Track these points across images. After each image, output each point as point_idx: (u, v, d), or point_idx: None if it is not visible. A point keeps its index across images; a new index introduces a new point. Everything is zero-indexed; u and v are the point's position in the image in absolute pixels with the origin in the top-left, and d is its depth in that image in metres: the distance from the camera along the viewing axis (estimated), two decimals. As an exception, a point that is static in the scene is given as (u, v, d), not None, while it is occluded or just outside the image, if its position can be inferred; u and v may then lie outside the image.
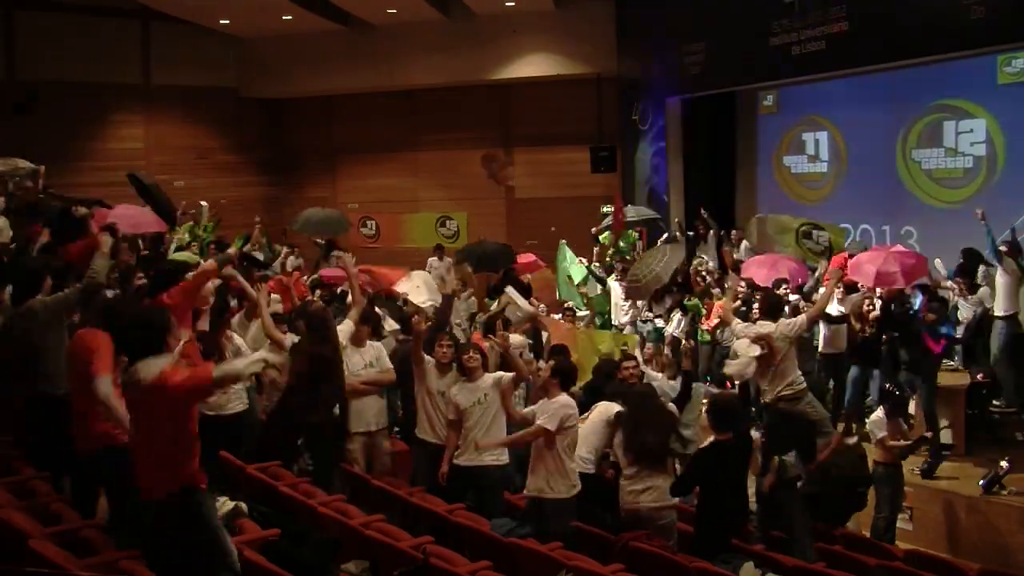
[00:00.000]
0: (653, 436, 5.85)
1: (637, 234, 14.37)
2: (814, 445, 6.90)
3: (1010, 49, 11.10)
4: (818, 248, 10.93)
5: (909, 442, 7.53)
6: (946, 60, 11.38)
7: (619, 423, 6.13)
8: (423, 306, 8.33)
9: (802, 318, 7.54)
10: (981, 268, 9.93)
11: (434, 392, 6.42)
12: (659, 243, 12.61)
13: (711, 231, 13.08)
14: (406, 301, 8.76)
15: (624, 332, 10.75)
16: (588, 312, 12.02)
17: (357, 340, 6.70)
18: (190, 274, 5.80)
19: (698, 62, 14.20)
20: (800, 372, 7.48)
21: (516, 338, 7.56)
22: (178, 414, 3.94)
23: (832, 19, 11.62)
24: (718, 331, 10.27)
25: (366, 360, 6.66)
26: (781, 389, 7.26)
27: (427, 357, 6.48)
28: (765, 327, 7.36)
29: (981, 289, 9.71)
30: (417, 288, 8.79)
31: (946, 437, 8.60)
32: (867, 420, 7.95)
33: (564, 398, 5.84)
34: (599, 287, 12.38)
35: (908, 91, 12.82)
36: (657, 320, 11.07)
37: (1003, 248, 9.09)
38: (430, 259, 15.18)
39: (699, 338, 10.35)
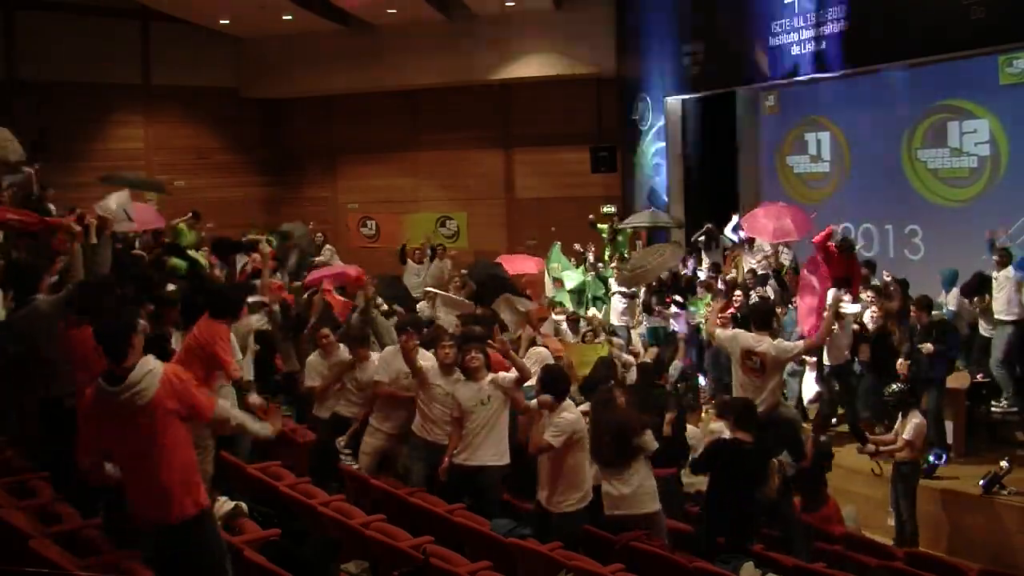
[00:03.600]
0: (607, 438, 5.82)
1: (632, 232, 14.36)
2: (802, 442, 6.93)
3: (1011, 49, 11.10)
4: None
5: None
6: (947, 60, 11.37)
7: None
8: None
9: (799, 347, 7.16)
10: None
11: (437, 395, 6.42)
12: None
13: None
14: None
15: (615, 337, 10.88)
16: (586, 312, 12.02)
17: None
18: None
19: (698, 62, 14.20)
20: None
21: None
22: (177, 427, 3.76)
23: (832, 19, 11.62)
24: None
25: (407, 368, 6.62)
26: (767, 400, 6.98)
27: (428, 364, 6.47)
28: (763, 343, 6.88)
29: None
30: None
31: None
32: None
33: (568, 414, 5.75)
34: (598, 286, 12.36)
35: (909, 91, 12.82)
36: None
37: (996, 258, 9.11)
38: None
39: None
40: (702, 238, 13.19)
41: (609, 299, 12.08)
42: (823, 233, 9.57)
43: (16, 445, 5.53)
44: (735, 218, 13.17)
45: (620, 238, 13.95)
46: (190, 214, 12.45)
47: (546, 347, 8.11)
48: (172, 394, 3.75)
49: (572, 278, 12.46)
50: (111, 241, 5.70)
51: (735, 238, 12.84)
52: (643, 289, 11.34)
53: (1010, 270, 8.89)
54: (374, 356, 7.00)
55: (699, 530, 6.07)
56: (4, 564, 3.97)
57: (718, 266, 12.50)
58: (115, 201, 8.02)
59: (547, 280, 12.66)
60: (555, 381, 5.89)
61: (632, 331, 11.47)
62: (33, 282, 5.35)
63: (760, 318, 6.98)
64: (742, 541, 5.76)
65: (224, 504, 4.93)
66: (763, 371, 6.72)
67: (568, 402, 5.89)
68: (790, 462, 6.67)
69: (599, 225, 14.27)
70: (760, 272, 11.21)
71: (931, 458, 8.17)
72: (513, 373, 6.23)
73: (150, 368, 3.74)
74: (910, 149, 13.01)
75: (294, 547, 4.65)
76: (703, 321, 10.58)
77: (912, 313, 9.00)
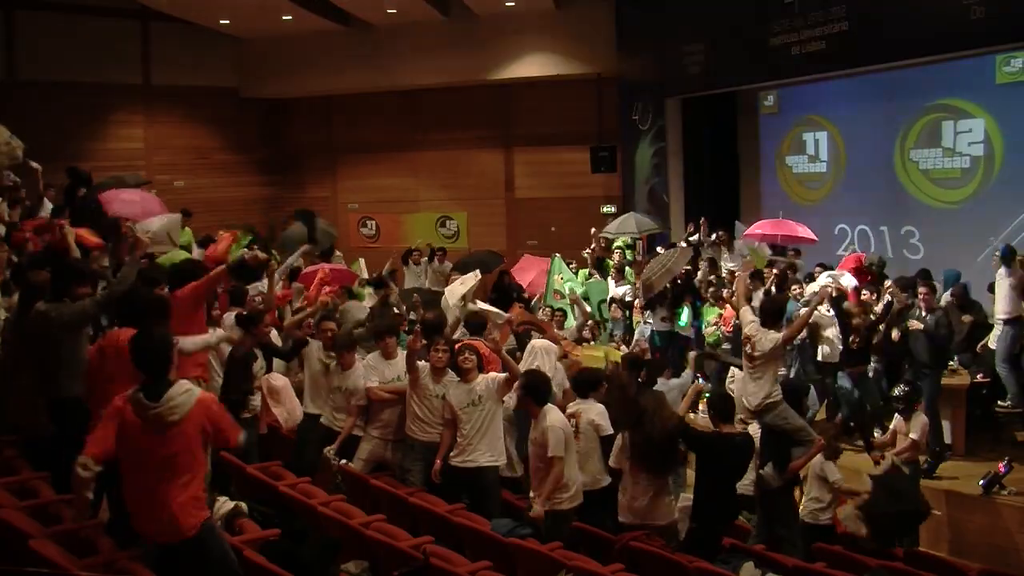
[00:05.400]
0: (658, 438, 5.79)
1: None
2: (789, 454, 6.76)
3: (1009, 49, 11.08)
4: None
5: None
6: (945, 60, 11.36)
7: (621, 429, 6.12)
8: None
9: (778, 338, 7.02)
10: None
11: (428, 396, 6.44)
12: (659, 250, 12.61)
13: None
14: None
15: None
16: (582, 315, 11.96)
17: (387, 354, 6.78)
18: None
19: (698, 62, 14.18)
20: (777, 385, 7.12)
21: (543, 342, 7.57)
22: (199, 449, 3.89)
23: (832, 19, 11.61)
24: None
25: (394, 374, 6.69)
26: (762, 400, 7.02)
27: (420, 364, 6.49)
28: (752, 326, 7.03)
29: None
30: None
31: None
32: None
33: (555, 417, 5.78)
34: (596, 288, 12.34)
35: (907, 91, 12.79)
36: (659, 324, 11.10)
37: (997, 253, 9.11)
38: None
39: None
40: (695, 236, 13.24)
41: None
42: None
43: (17, 444, 5.54)
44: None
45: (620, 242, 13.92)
46: (179, 213, 12.41)
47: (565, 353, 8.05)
48: (206, 416, 3.91)
49: (574, 288, 12.43)
50: (138, 261, 5.68)
51: (712, 237, 12.94)
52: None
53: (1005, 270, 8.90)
54: (360, 362, 6.98)
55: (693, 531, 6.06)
56: (4, 564, 3.98)
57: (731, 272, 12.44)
58: (159, 224, 8.02)
59: (547, 291, 12.66)
60: (538, 386, 5.90)
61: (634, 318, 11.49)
62: (69, 287, 5.14)
63: (769, 314, 7.06)
64: (719, 533, 5.84)
65: (224, 504, 4.94)
66: (752, 359, 6.89)
67: (549, 405, 5.90)
68: (772, 473, 6.59)
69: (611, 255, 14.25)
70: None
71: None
72: (504, 373, 6.26)
73: (187, 388, 3.91)
74: (903, 149, 13.00)
75: (294, 547, 4.65)
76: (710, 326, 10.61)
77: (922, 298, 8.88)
